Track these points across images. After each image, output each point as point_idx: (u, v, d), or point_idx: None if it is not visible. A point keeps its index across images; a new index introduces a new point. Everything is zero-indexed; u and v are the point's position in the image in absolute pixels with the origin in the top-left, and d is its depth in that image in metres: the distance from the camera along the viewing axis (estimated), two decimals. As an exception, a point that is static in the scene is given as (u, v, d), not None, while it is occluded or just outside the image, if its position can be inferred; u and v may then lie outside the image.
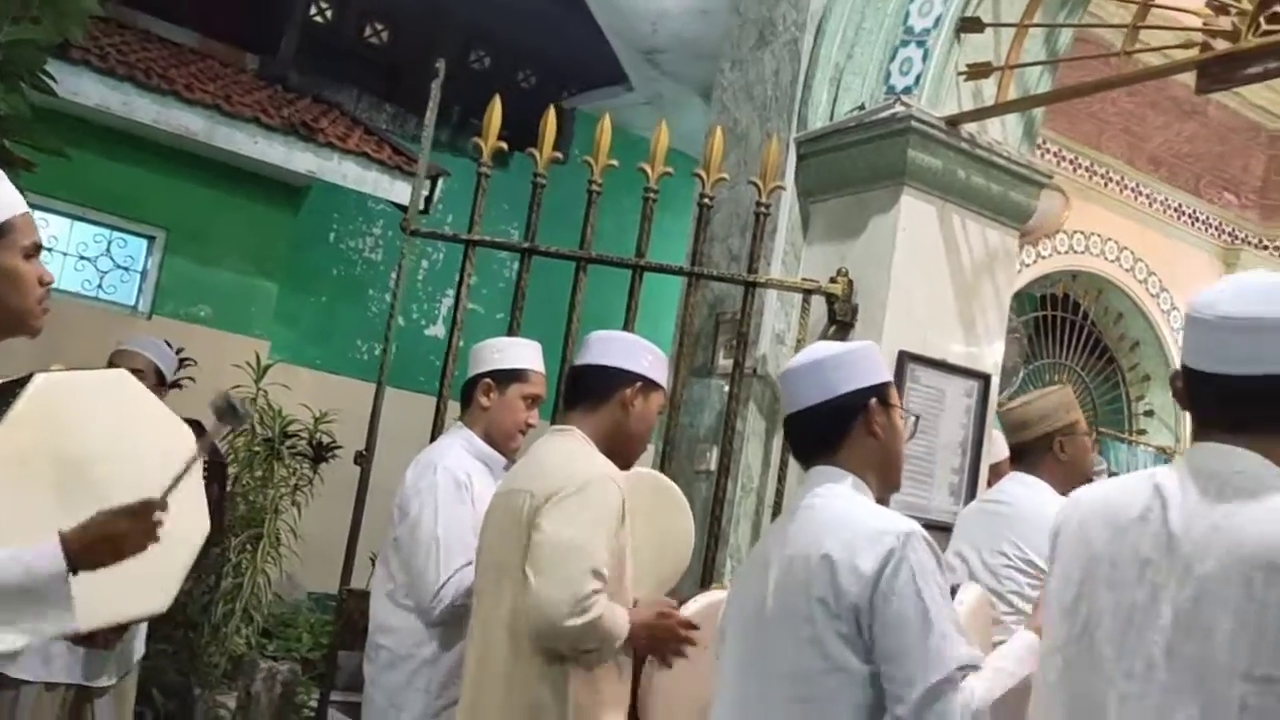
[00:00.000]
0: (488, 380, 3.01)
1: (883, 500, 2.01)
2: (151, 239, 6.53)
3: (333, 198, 6.99)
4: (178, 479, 1.85)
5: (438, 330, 7.50)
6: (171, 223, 6.46)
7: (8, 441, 1.88)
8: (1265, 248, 7.50)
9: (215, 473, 2.97)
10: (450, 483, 2.82)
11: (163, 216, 6.43)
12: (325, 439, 5.32)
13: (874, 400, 1.98)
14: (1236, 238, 7.46)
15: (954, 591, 2.06)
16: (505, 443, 3.00)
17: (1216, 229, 7.40)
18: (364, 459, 3.56)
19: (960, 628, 1.79)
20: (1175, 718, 1.42)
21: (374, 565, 3.04)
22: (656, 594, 2.68)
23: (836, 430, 1.97)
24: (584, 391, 2.50)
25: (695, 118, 6.28)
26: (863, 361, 2.03)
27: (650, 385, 2.50)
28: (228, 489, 3.53)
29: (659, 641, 2.40)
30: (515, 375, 3.01)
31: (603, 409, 2.46)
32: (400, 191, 6.37)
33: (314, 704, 4.94)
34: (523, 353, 3.07)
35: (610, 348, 2.52)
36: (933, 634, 1.72)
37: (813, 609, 1.80)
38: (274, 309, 6.77)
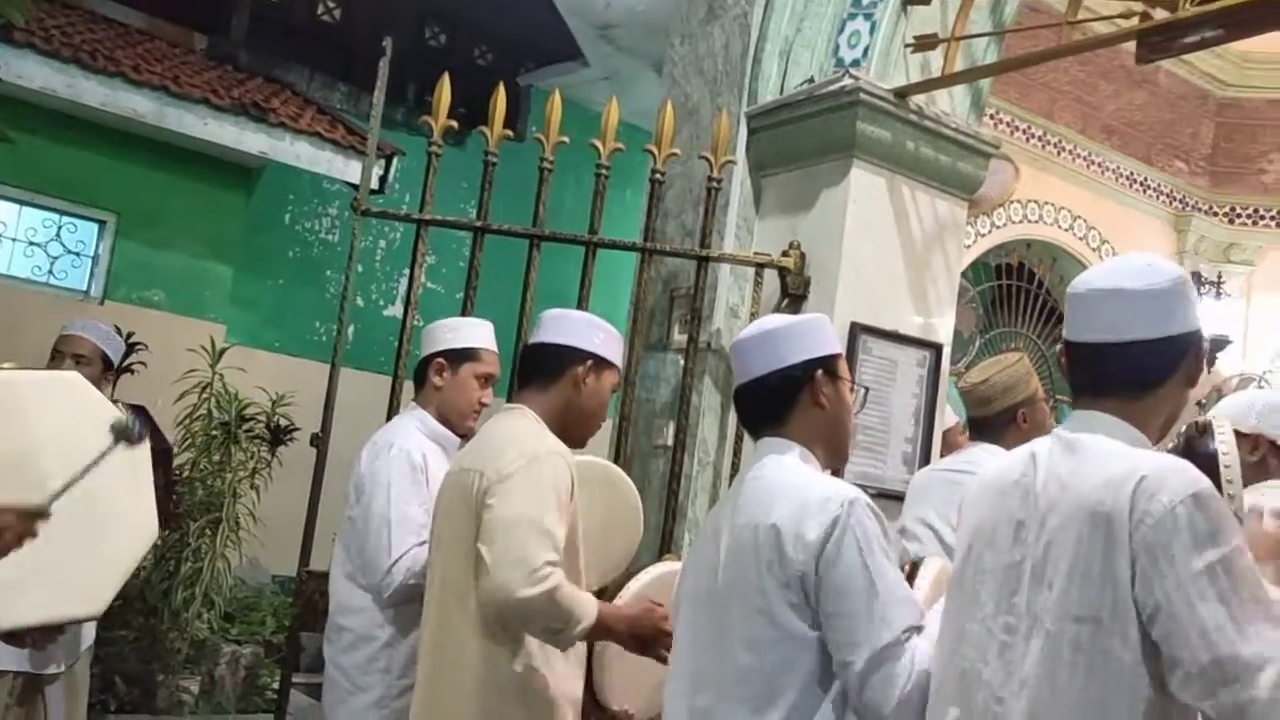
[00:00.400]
0: (440, 360, 3.01)
1: (833, 472, 2.03)
2: (102, 223, 6.46)
3: (287, 179, 6.93)
4: (69, 484, 1.85)
5: (396, 310, 7.47)
6: (122, 206, 6.39)
7: None
8: (1215, 214, 7.61)
9: (159, 459, 2.93)
10: (404, 463, 2.82)
11: (113, 200, 6.36)
12: (283, 421, 5.30)
13: (821, 371, 2.00)
14: (1187, 204, 7.55)
15: (915, 566, 2.09)
16: (459, 422, 3.00)
17: (1168, 196, 7.49)
18: (320, 440, 3.55)
19: (906, 591, 1.82)
20: (1027, 664, 1.53)
21: (334, 546, 3.03)
22: (604, 581, 2.69)
23: (784, 401, 2.00)
24: (536, 370, 2.50)
25: (651, 93, 6.26)
26: (811, 333, 2.05)
27: (602, 363, 2.49)
28: (175, 475, 3.50)
29: (644, 639, 2.36)
30: (467, 354, 3.01)
31: (554, 387, 2.46)
32: (354, 171, 6.33)
33: (277, 686, 4.95)
34: (475, 332, 3.07)
35: (562, 326, 2.51)
36: (878, 599, 1.75)
37: (762, 578, 1.82)
38: (229, 292, 6.72)
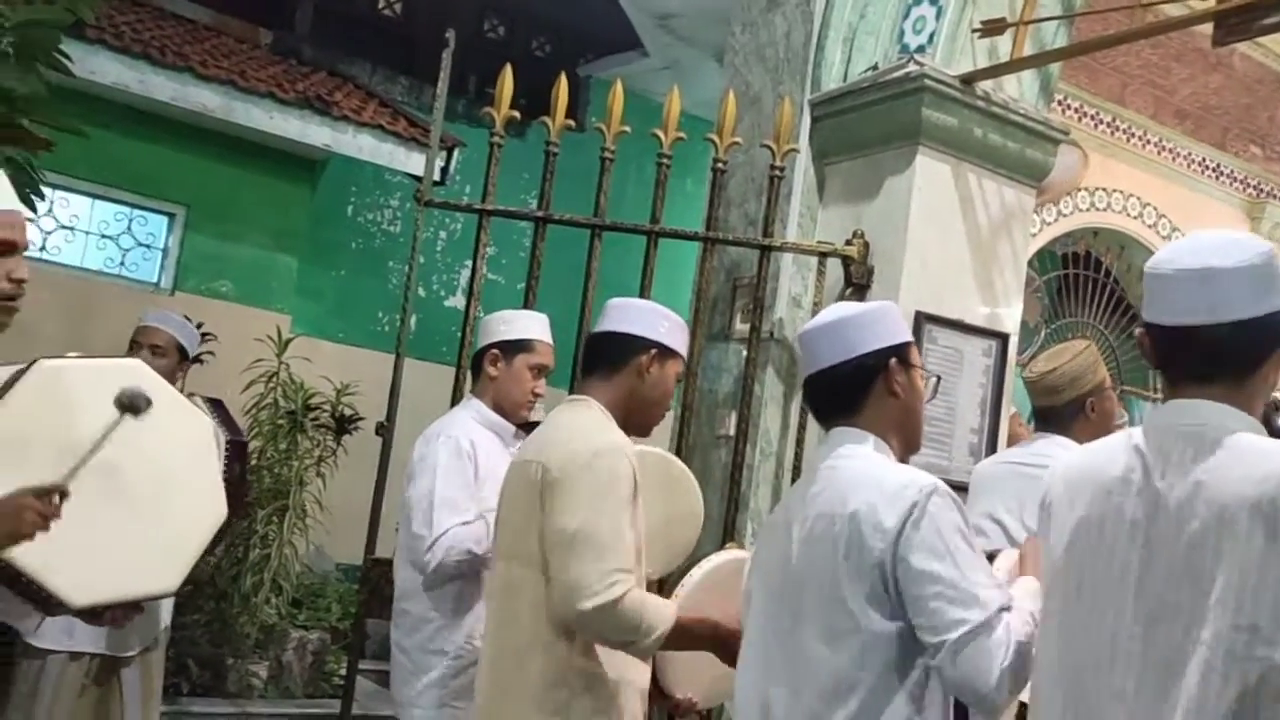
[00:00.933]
0: (494, 351, 3.06)
1: (904, 461, 2.00)
2: (172, 216, 6.57)
3: (350, 171, 7.01)
4: (82, 461, 1.88)
5: (457, 301, 7.52)
6: (191, 199, 6.49)
7: (4, 426, 1.91)
8: (1291, 200, 7.41)
9: (236, 452, 3.00)
10: (451, 449, 2.88)
11: (182, 193, 6.46)
12: (347, 411, 5.36)
13: (894, 360, 1.97)
14: (1262, 190, 7.36)
15: (991, 557, 2.06)
16: (513, 412, 3.05)
17: (1241, 182, 7.31)
18: (385, 430, 3.59)
19: (992, 575, 1.80)
20: (1175, 669, 1.45)
21: (397, 534, 3.09)
22: (664, 574, 2.68)
23: (857, 390, 1.96)
24: (599, 359, 2.48)
25: (712, 82, 6.24)
26: (883, 321, 2.02)
27: (667, 352, 2.46)
28: (249, 465, 3.55)
29: (730, 649, 2.27)
30: (521, 346, 3.05)
31: (618, 376, 2.42)
32: (417, 163, 6.37)
33: (344, 672, 5.02)
34: (528, 324, 3.11)
35: (626, 314, 2.49)
36: (964, 580, 1.72)
37: (838, 568, 1.80)
38: (294, 283, 6.80)
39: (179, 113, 5.99)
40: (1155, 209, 6.96)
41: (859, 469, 1.89)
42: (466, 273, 7.56)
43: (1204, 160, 7.15)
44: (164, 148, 6.24)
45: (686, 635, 2.27)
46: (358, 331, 7.11)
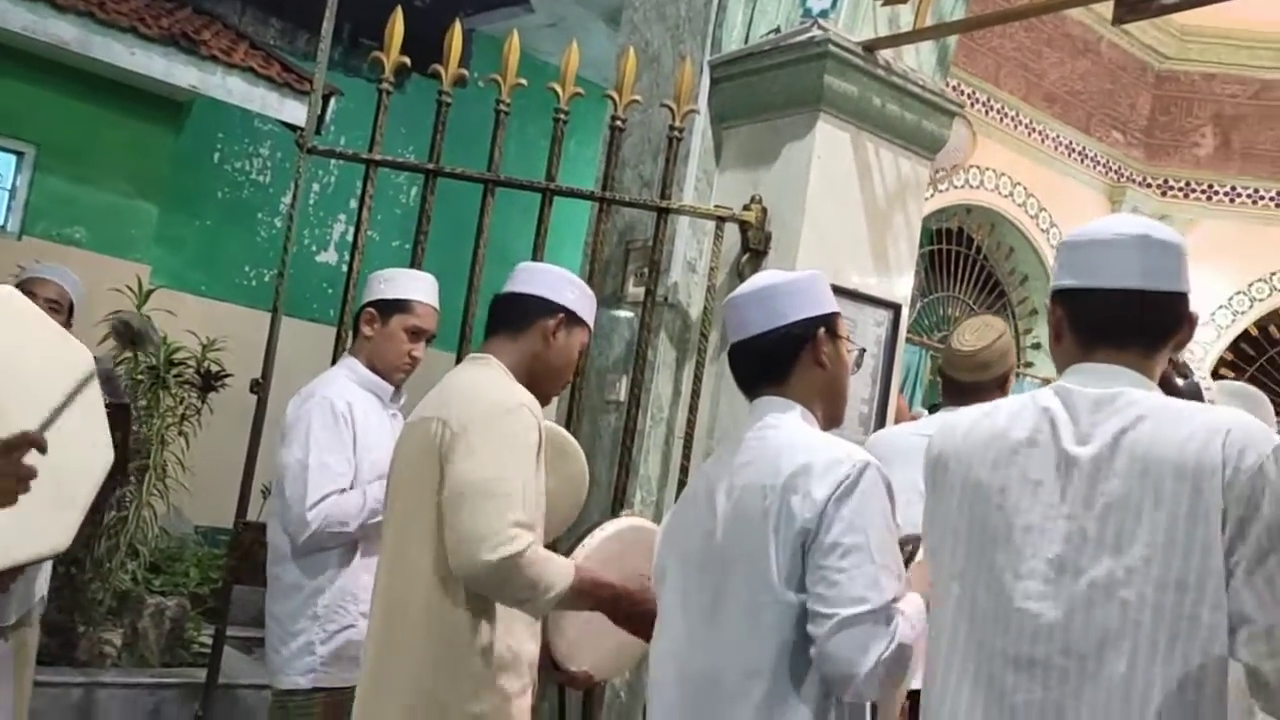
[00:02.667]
0: (371, 310, 2.98)
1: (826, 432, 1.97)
2: (20, 155, 6.15)
3: (217, 115, 6.67)
4: (58, 409, 1.69)
5: (329, 256, 7.27)
6: (43, 138, 6.09)
7: None
8: (1149, 185, 7.71)
9: (119, 416, 2.80)
10: (325, 411, 2.80)
11: (33, 131, 6.06)
12: (214, 367, 5.10)
13: (823, 330, 1.94)
14: (1123, 175, 7.64)
15: (915, 543, 2.04)
16: (388, 374, 2.97)
17: (1104, 166, 7.57)
18: (260, 387, 3.41)
19: (900, 567, 1.77)
20: (1087, 631, 1.46)
21: (264, 497, 2.98)
22: (547, 540, 2.63)
23: (785, 359, 1.93)
24: (504, 320, 2.41)
25: (598, 43, 6.14)
26: (812, 290, 1.99)
27: (574, 319, 2.41)
28: (136, 432, 3.34)
29: (639, 618, 2.25)
30: (398, 306, 2.96)
31: (522, 338, 2.37)
32: (290, 110, 6.09)
33: (204, 639, 4.81)
34: (409, 284, 3.01)
35: (535, 277, 2.44)
36: (872, 563, 1.70)
37: (768, 543, 1.76)
38: (155, 232, 6.45)
39: (33, 45, 5.59)
40: (1024, 188, 7.16)
41: (789, 439, 1.85)
42: (340, 227, 7.31)
43: (1070, 143, 7.38)
44: (14, 81, 5.84)
45: (585, 596, 2.22)
46: (223, 285, 6.80)
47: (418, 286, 3.01)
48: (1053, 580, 1.50)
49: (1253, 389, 2.97)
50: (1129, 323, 1.60)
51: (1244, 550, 1.38)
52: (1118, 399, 1.54)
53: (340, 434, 2.79)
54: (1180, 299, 1.62)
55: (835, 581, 1.70)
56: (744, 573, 1.79)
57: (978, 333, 3.02)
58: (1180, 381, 2.45)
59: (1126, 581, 1.44)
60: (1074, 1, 3.24)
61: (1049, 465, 1.54)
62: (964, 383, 3.00)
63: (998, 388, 2.97)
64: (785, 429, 1.88)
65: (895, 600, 1.72)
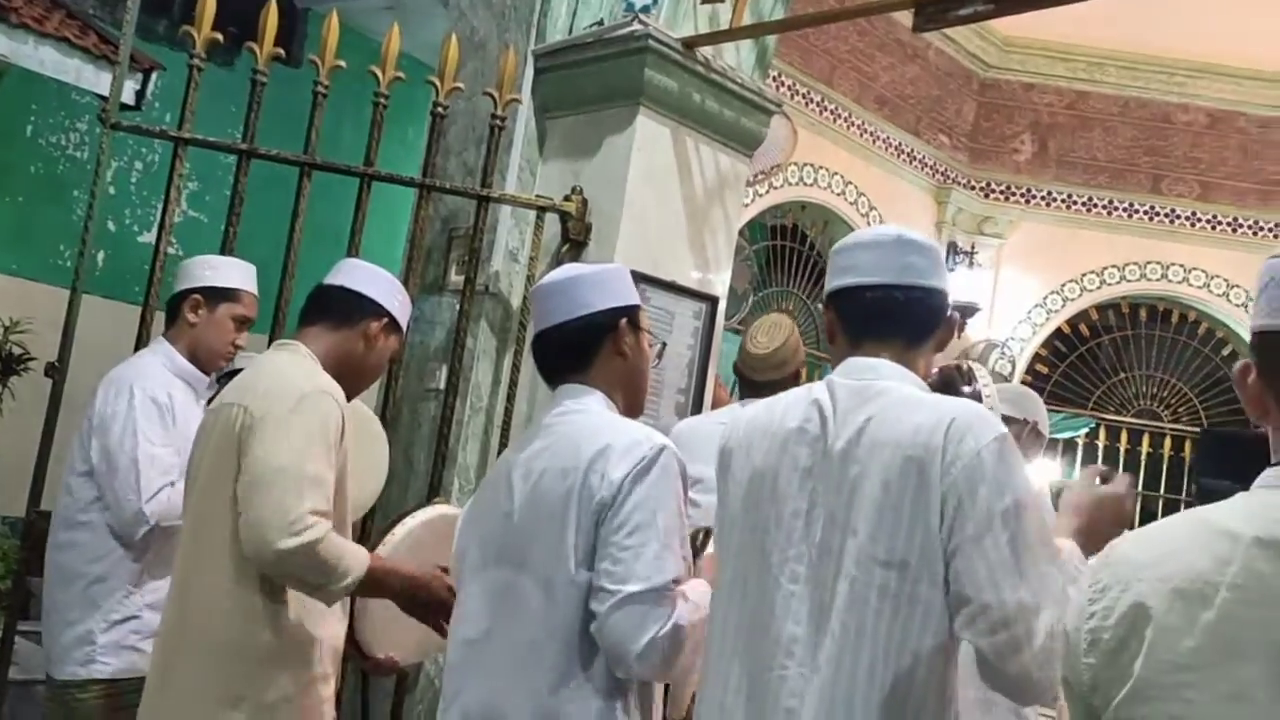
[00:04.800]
0: (197, 297, 2.95)
1: None
2: None
3: (30, 87, 6.32)
4: None
5: (152, 238, 6.95)
6: None
7: None
8: (973, 187, 8.05)
9: None
10: (149, 404, 2.75)
11: None
12: (16, 350, 4.87)
13: (624, 321, 2.00)
14: (948, 177, 7.96)
15: (706, 535, 2.09)
16: (211, 362, 2.94)
17: (931, 168, 7.87)
18: (56, 371, 3.27)
19: (685, 550, 1.82)
20: (828, 609, 1.53)
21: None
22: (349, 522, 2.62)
23: (587, 348, 1.98)
24: (325, 311, 2.39)
25: (437, 26, 6.04)
26: (616, 282, 2.05)
27: (394, 326, 2.45)
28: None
29: (423, 604, 2.29)
30: (227, 294, 2.97)
31: (343, 333, 2.37)
32: (106, 83, 5.80)
33: None
34: (235, 273, 3.02)
35: (364, 275, 2.45)
36: (657, 542, 1.75)
37: (566, 521, 1.79)
38: (-41, 207, 6.11)
39: None
40: (856, 187, 7.38)
41: (591, 424, 1.90)
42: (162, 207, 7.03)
43: (900, 145, 7.65)
44: None
45: (378, 584, 2.22)
46: (34, 264, 6.46)
47: (243, 275, 3.02)
48: (814, 564, 1.57)
49: (1026, 390, 3.17)
50: (888, 316, 1.69)
51: (960, 534, 1.47)
52: (869, 389, 1.62)
53: (166, 426, 2.76)
54: (936, 294, 1.71)
55: (620, 559, 1.74)
56: (540, 554, 1.83)
57: (769, 333, 3.13)
58: (966, 389, 2.59)
59: (857, 561, 1.52)
60: (878, 9, 3.35)
61: (815, 453, 1.61)
62: (760, 382, 3.11)
63: (792, 382, 3.10)
64: (586, 413, 1.93)
65: (677, 581, 1.76)
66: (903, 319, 1.69)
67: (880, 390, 1.61)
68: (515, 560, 1.87)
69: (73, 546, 2.74)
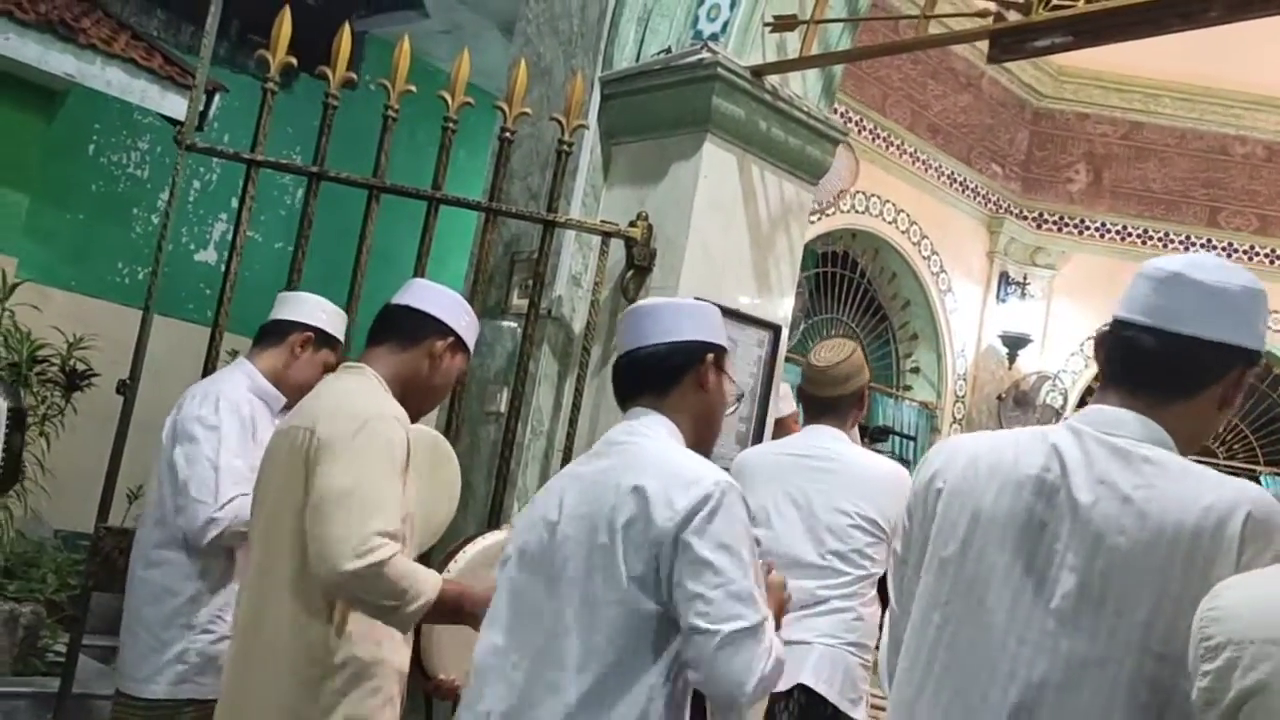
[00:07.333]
0: (310, 334, 3.04)
1: None
2: (-121, 138, 5.84)
3: (94, 106, 6.43)
4: None
5: (208, 256, 7.07)
6: (-96, 121, 5.80)
7: None
8: (1025, 217, 8.00)
9: (18, 420, 2.74)
10: (233, 415, 2.80)
11: (-106, 114, 5.76)
12: (79, 366, 4.93)
13: (711, 355, 2.00)
14: (1001, 207, 7.91)
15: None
16: (293, 395, 2.94)
17: (984, 197, 7.83)
18: (127, 388, 3.31)
19: (760, 584, 1.80)
20: (1079, 685, 1.41)
21: (129, 502, 2.92)
22: (419, 551, 2.62)
23: (670, 373, 1.97)
24: (393, 331, 2.40)
25: (494, 52, 6.12)
26: (708, 318, 2.06)
27: (460, 345, 2.45)
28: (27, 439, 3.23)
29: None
30: (331, 341, 3.08)
31: (409, 353, 2.37)
32: (171, 104, 5.90)
33: (60, 648, 4.62)
34: (341, 324, 3.16)
35: (430, 295, 2.46)
36: (739, 581, 1.72)
37: (615, 538, 1.77)
38: (23, 223, 6.19)
39: (-106, 23, 5.32)
40: (908, 215, 7.35)
41: (655, 448, 1.88)
42: (220, 226, 7.13)
43: (952, 174, 7.61)
44: (-128, 59, 5.53)
45: (450, 608, 2.21)
46: (94, 281, 6.55)
47: (343, 328, 3.15)
48: (1054, 632, 1.45)
49: None
50: (1148, 367, 1.55)
51: None
52: (1131, 452, 1.50)
53: (246, 440, 2.80)
54: (1218, 348, 1.52)
55: (712, 599, 1.71)
56: (579, 566, 1.80)
57: (834, 350, 3.13)
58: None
59: (1126, 646, 1.41)
60: (953, 39, 3.34)
61: (1055, 507, 1.49)
62: (824, 398, 3.09)
63: (856, 402, 3.09)
64: (654, 439, 1.91)
65: (766, 617, 1.75)
66: (1160, 370, 1.53)
67: (1145, 456, 1.47)
68: (549, 572, 1.85)
69: (165, 564, 2.77)
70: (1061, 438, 1.53)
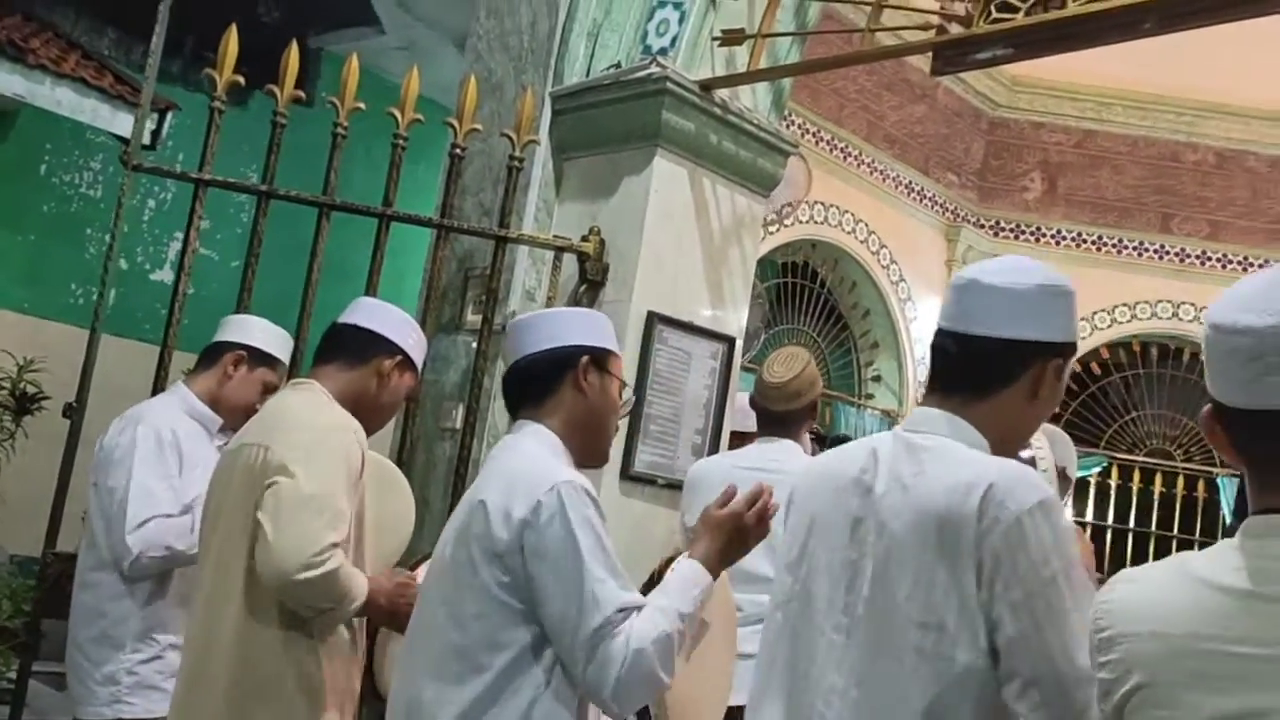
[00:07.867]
0: (242, 353, 2.99)
1: (581, 468, 1.95)
2: None
3: (45, 126, 6.38)
4: None
5: (164, 275, 7.02)
6: None
7: None
8: (982, 226, 8.07)
9: None
10: (150, 439, 2.78)
11: None
12: (30, 389, 4.87)
13: (588, 358, 1.97)
14: (958, 215, 7.97)
15: (670, 561, 2.08)
16: (230, 416, 2.95)
17: (941, 206, 7.89)
18: (74, 412, 3.27)
19: (618, 573, 1.78)
20: (866, 667, 1.51)
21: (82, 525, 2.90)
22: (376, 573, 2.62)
23: (545, 381, 1.95)
24: (340, 350, 2.39)
25: (451, 68, 6.10)
26: (589, 323, 2.05)
27: (408, 364, 2.44)
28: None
29: (399, 615, 2.29)
30: (269, 360, 3.03)
31: (356, 371, 2.37)
32: (122, 123, 5.87)
33: (14, 675, 4.55)
34: (280, 343, 3.10)
35: (377, 314, 2.45)
36: (585, 581, 1.72)
37: (473, 553, 1.79)
38: (-27, 245, 6.13)
39: None
40: (866, 225, 7.40)
41: (507, 460, 1.89)
42: (176, 245, 7.08)
43: (910, 183, 7.67)
44: None
45: (374, 607, 2.25)
46: (47, 303, 6.49)
47: (284, 346, 3.11)
48: (858, 616, 1.55)
49: (1057, 431, 3.12)
50: (954, 369, 1.63)
51: (1003, 601, 1.43)
52: (917, 442, 1.60)
53: (165, 460, 2.77)
54: (1012, 346, 1.59)
55: (558, 612, 1.72)
56: (452, 583, 1.83)
57: (786, 364, 3.12)
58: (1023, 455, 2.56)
59: (893, 619, 1.51)
60: (897, 52, 3.37)
61: (862, 504, 1.59)
62: (778, 412, 3.10)
63: (809, 414, 3.09)
64: (516, 451, 1.91)
65: (623, 608, 1.73)
66: (964, 370, 1.60)
67: (925, 446, 1.57)
68: (440, 591, 1.87)
69: (96, 586, 2.75)
70: (881, 440, 1.64)
